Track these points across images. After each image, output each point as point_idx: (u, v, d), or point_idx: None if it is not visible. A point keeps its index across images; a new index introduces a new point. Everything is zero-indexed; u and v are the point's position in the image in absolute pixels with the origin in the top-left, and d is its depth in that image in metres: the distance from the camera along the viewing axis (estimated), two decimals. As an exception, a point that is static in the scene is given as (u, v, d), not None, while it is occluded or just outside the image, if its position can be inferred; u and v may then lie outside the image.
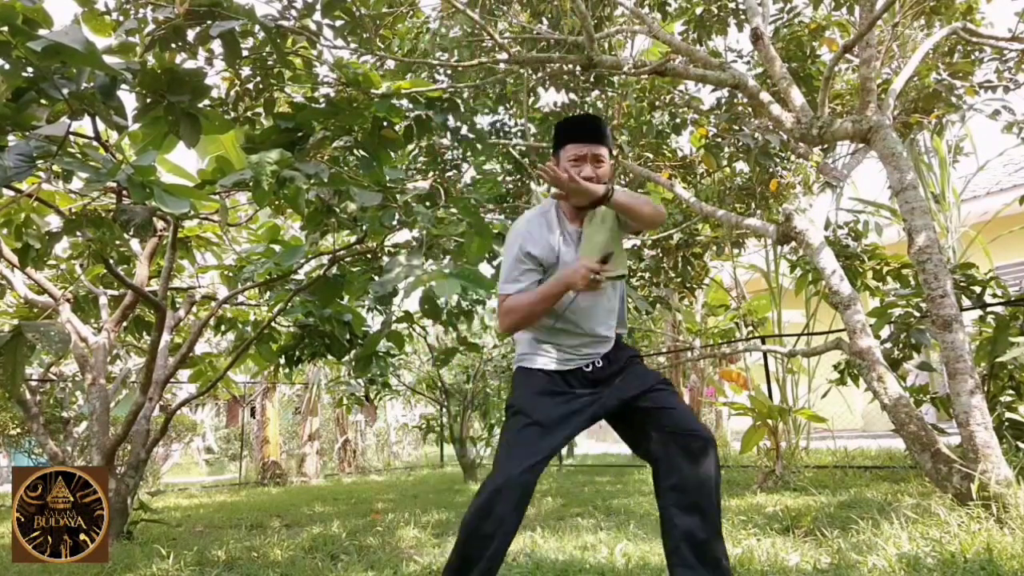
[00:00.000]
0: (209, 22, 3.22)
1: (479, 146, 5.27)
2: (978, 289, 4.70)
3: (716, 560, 1.90)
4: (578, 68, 5.60)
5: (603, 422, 2.16)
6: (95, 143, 2.86)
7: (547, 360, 2.09)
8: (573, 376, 2.08)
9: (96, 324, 5.19)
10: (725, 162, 6.27)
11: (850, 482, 4.92)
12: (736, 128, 5.81)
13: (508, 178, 6.98)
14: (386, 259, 4.10)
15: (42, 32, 2.29)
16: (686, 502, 1.92)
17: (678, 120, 6.10)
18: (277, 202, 4.34)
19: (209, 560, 3.37)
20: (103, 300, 4.98)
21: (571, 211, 2.14)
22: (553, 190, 2.13)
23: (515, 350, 2.24)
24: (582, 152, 2.06)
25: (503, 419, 2.13)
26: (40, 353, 5.88)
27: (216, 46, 3.71)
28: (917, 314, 4.82)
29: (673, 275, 6.97)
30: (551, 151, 2.20)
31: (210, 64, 3.95)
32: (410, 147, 5.77)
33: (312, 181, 3.03)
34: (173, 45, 3.42)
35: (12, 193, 3.35)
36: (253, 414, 11.77)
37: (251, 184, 2.86)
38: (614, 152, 2.31)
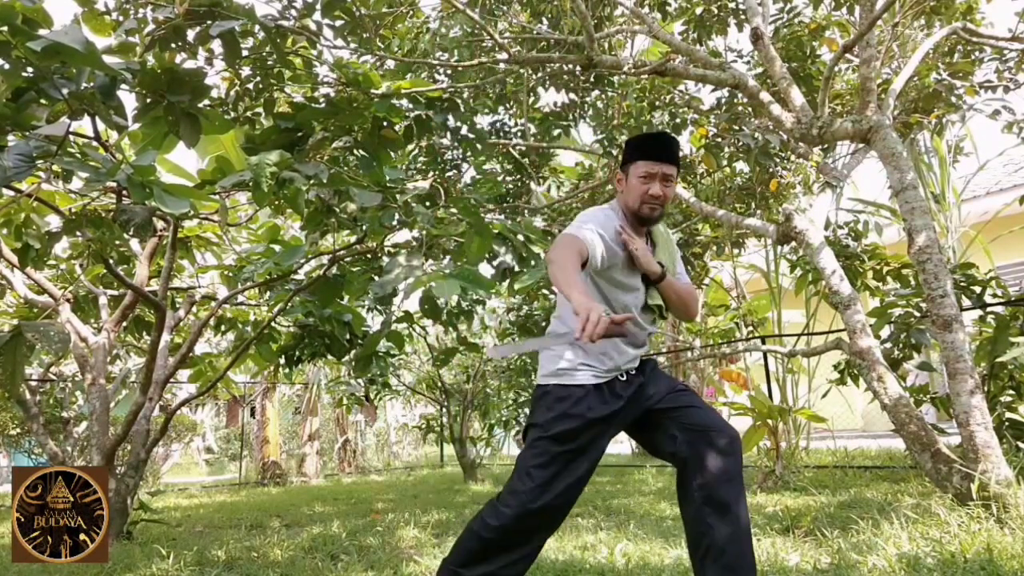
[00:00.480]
0: (209, 22, 3.22)
1: (479, 146, 5.27)
2: (978, 289, 4.70)
3: (751, 565, 1.87)
4: (578, 68, 5.60)
5: None
6: (95, 143, 2.85)
7: (592, 373, 1.99)
8: (610, 388, 2.01)
9: (96, 324, 5.19)
10: (725, 162, 6.27)
11: (850, 482, 4.92)
12: (736, 128, 5.80)
13: (508, 178, 6.98)
14: (386, 259, 4.10)
15: (42, 32, 2.29)
16: (717, 500, 1.88)
17: (678, 120, 6.10)
18: (277, 202, 4.33)
19: (209, 560, 3.37)
20: (103, 300, 4.98)
21: (634, 225, 2.10)
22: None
23: (545, 361, 2.10)
24: (653, 171, 2.04)
25: (530, 433, 2.01)
26: (40, 353, 5.88)
27: (216, 46, 3.71)
28: (917, 314, 4.82)
29: (673, 275, 6.95)
30: (620, 164, 2.17)
31: (210, 64, 3.95)
32: (410, 147, 5.77)
33: (312, 181, 3.03)
34: (173, 45, 3.42)
35: (12, 193, 3.35)
36: (253, 414, 11.77)
37: (251, 184, 2.85)
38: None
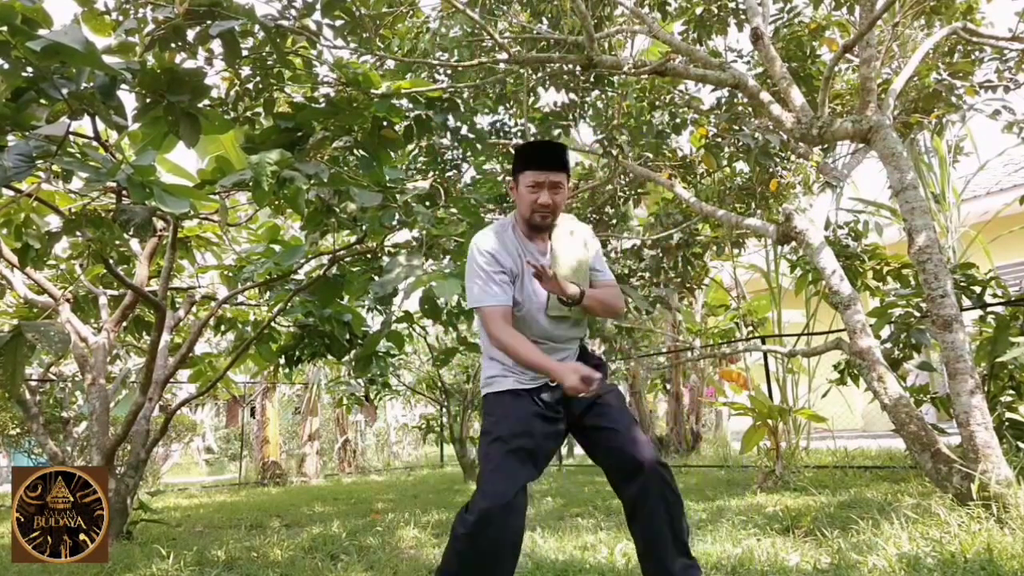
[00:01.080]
0: (209, 22, 3.22)
1: (479, 146, 5.27)
2: (978, 289, 4.70)
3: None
4: (578, 68, 5.59)
5: None
6: (95, 143, 2.85)
7: (516, 379, 2.10)
8: (544, 392, 2.09)
9: (96, 324, 5.19)
10: (725, 162, 6.27)
11: (850, 482, 4.92)
12: (736, 128, 5.80)
13: (508, 178, 6.97)
14: (386, 259, 4.09)
15: (42, 32, 2.29)
16: (639, 528, 2.00)
17: (678, 120, 6.10)
18: (277, 202, 4.33)
19: (209, 560, 3.37)
20: (103, 300, 4.98)
21: (528, 231, 2.18)
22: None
23: (481, 374, 2.24)
24: (540, 179, 2.10)
25: (480, 442, 2.12)
26: (40, 353, 5.88)
27: (216, 46, 3.71)
28: (917, 314, 4.82)
29: (673, 275, 6.96)
30: (511, 173, 2.23)
31: (210, 64, 3.95)
32: (410, 147, 5.76)
33: (312, 181, 3.03)
34: (173, 45, 3.42)
35: (12, 193, 3.35)
36: (253, 414, 11.77)
37: (251, 184, 2.85)
38: (571, 174, 2.33)
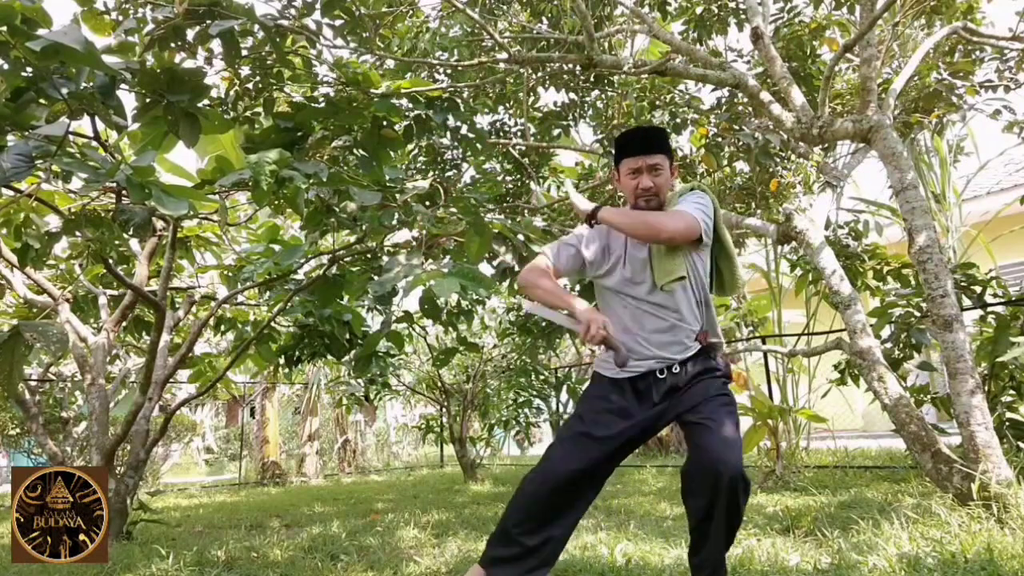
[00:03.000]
0: (208, 21, 3.22)
1: (479, 146, 5.26)
2: (978, 289, 4.69)
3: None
4: (578, 68, 5.59)
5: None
6: (94, 143, 2.85)
7: (608, 369, 2.13)
8: (643, 382, 2.06)
9: (95, 324, 5.19)
10: (725, 162, 6.26)
11: (850, 482, 4.92)
12: (736, 128, 5.80)
13: (508, 178, 6.97)
14: (386, 259, 4.09)
15: (41, 32, 2.29)
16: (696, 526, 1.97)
17: (678, 120, 6.09)
18: (276, 202, 4.32)
19: (209, 560, 3.37)
20: (102, 300, 4.98)
21: None
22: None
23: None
24: (637, 165, 2.12)
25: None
26: (39, 353, 5.87)
27: (215, 45, 3.71)
28: (918, 314, 4.81)
29: (673, 275, 6.95)
30: (613, 166, 2.26)
31: (209, 63, 3.94)
32: (410, 147, 5.76)
33: (311, 180, 3.02)
34: (172, 44, 3.42)
35: (11, 193, 3.34)
36: (253, 414, 11.76)
37: (250, 183, 2.85)
38: (674, 155, 2.35)
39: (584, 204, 2.19)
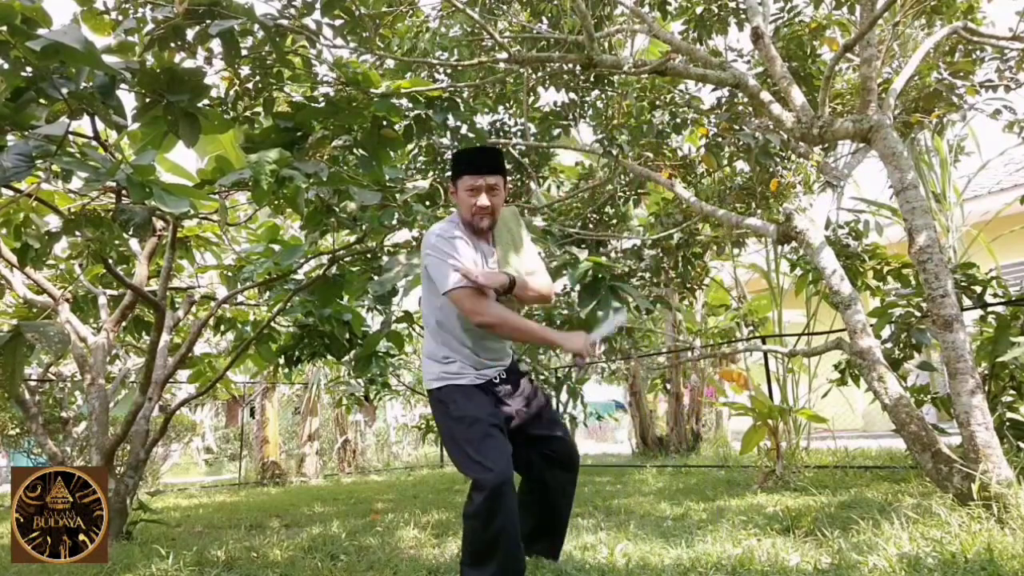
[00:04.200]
0: (208, 21, 3.21)
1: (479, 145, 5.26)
2: (979, 289, 4.69)
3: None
4: (578, 67, 5.59)
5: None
6: (94, 143, 2.85)
7: (472, 376, 2.24)
8: (490, 388, 2.26)
9: (95, 324, 5.19)
10: (725, 161, 6.26)
11: (851, 482, 4.92)
12: (736, 128, 5.80)
13: (507, 177, 6.96)
14: (386, 258, 4.09)
15: (41, 31, 2.29)
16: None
17: (678, 120, 6.09)
18: (276, 201, 4.32)
19: (208, 560, 3.36)
20: (102, 300, 4.98)
21: (471, 232, 2.30)
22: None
23: (425, 375, 2.34)
24: (477, 183, 2.22)
25: (451, 430, 2.22)
26: (39, 353, 5.87)
27: (215, 45, 3.70)
28: (918, 314, 4.81)
29: (673, 275, 6.96)
30: (450, 179, 2.34)
31: (209, 63, 3.94)
32: (410, 147, 5.76)
33: (311, 180, 3.02)
34: (172, 44, 3.41)
35: (11, 193, 3.34)
36: (252, 414, 11.76)
37: (250, 183, 2.85)
38: (507, 176, 2.48)
39: (500, 279, 2.19)
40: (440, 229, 2.25)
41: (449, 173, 2.35)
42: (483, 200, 2.21)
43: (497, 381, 2.27)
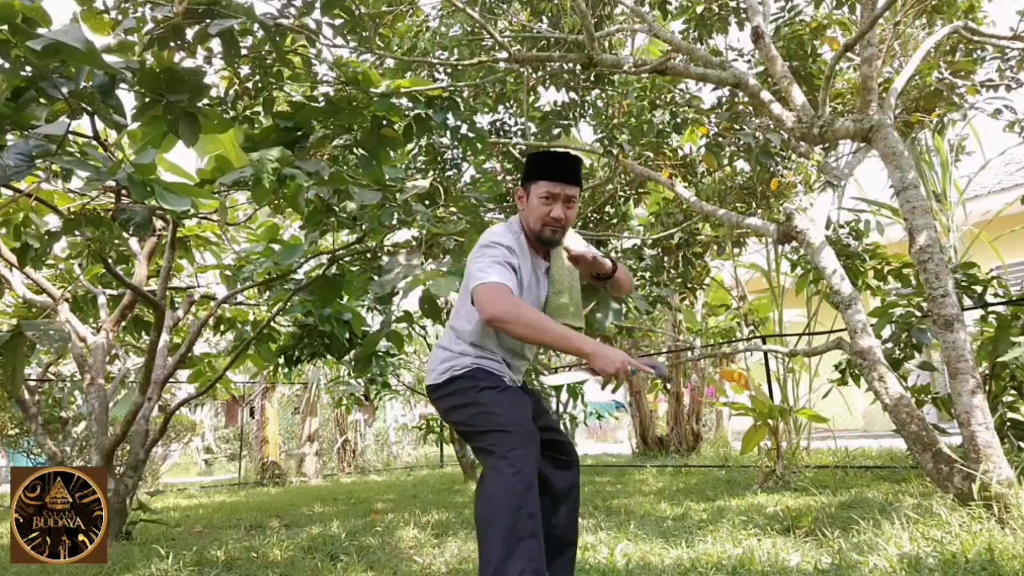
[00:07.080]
0: (208, 21, 3.21)
1: (479, 145, 5.26)
2: (979, 289, 4.69)
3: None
4: (578, 67, 5.58)
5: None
6: (94, 142, 2.84)
7: (505, 374, 2.10)
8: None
9: (95, 324, 5.18)
10: (726, 161, 6.25)
11: (851, 482, 4.91)
12: (737, 127, 5.79)
13: (508, 177, 6.97)
14: (386, 258, 4.09)
15: (41, 31, 2.28)
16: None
17: (679, 119, 6.09)
18: (276, 201, 4.32)
19: (208, 560, 3.36)
20: (102, 300, 4.97)
21: (534, 244, 2.11)
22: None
23: (452, 366, 2.07)
24: (556, 191, 2.00)
25: (472, 407, 2.00)
26: (39, 353, 5.87)
27: (215, 45, 3.70)
28: (918, 314, 4.81)
29: (674, 274, 6.96)
30: (520, 181, 2.12)
31: (209, 63, 3.94)
32: (410, 146, 5.76)
33: (312, 179, 3.02)
34: (172, 44, 3.41)
35: (11, 192, 3.34)
36: (252, 414, 11.76)
37: (251, 182, 2.85)
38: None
39: (606, 262, 2.12)
40: (494, 234, 2.04)
41: (525, 177, 2.07)
42: (558, 211, 1.99)
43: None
